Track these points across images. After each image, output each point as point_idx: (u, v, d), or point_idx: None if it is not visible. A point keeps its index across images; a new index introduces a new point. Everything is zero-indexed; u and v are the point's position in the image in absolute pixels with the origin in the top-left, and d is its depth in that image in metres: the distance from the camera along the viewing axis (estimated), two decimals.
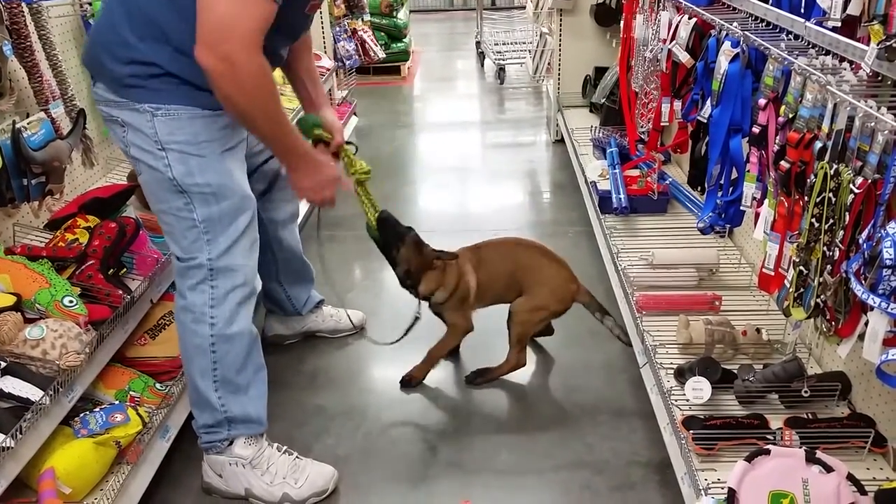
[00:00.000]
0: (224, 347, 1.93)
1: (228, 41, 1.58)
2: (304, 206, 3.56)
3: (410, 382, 2.52)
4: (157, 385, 2.11)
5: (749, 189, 1.87)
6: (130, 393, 2.04)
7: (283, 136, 1.83)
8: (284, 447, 2.08)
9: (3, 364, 1.67)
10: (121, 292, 2.02)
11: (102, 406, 1.93)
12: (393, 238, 2.33)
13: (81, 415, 1.87)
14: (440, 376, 2.58)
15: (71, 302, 1.85)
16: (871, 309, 1.26)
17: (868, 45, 1.37)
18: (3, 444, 1.51)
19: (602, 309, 2.48)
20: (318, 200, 2.02)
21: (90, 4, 2.55)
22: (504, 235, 2.64)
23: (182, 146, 1.79)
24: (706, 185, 2.17)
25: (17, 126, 1.96)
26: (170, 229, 1.89)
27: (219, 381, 1.96)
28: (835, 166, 1.39)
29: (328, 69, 4.33)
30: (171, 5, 1.67)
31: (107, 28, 1.76)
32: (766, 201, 1.75)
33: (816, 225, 1.45)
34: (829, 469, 1.59)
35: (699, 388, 1.95)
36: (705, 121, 2.08)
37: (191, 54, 1.64)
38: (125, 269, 2.17)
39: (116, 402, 1.99)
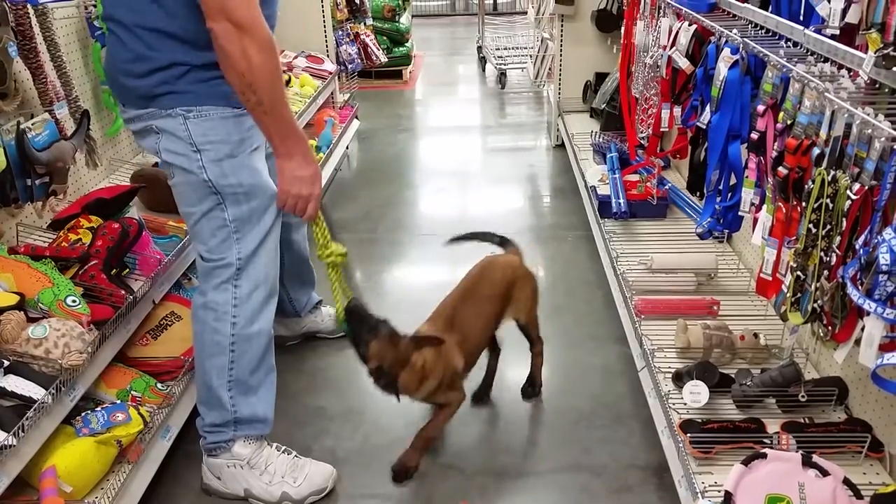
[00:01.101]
0: (242, 347, 1.96)
1: (241, 6, 1.62)
2: None
3: (407, 473, 2.12)
4: (159, 385, 2.12)
5: (747, 194, 1.89)
6: (132, 392, 2.05)
7: (284, 110, 1.77)
8: (284, 447, 2.10)
9: (6, 363, 1.68)
10: (123, 292, 2.03)
11: (104, 405, 1.94)
12: (363, 330, 1.97)
13: (83, 414, 1.88)
14: None
15: (74, 301, 1.87)
16: (868, 314, 1.27)
17: (866, 52, 1.39)
18: (6, 443, 1.52)
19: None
20: (305, 201, 1.89)
21: (94, 6, 2.57)
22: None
23: (216, 146, 1.82)
24: (705, 191, 2.18)
25: (22, 127, 1.98)
26: (199, 230, 1.91)
27: (233, 381, 1.98)
28: (832, 172, 1.40)
29: (330, 73, 4.34)
30: (155, 6, 1.70)
31: (119, 51, 1.78)
32: (765, 207, 1.76)
33: (814, 230, 1.46)
34: (825, 473, 1.60)
35: (697, 392, 1.96)
36: (704, 127, 2.10)
37: (198, 42, 1.68)
38: (128, 270, 2.18)
39: (118, 402, 2.00)
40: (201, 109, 1.79)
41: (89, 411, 1.89)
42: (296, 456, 2.09)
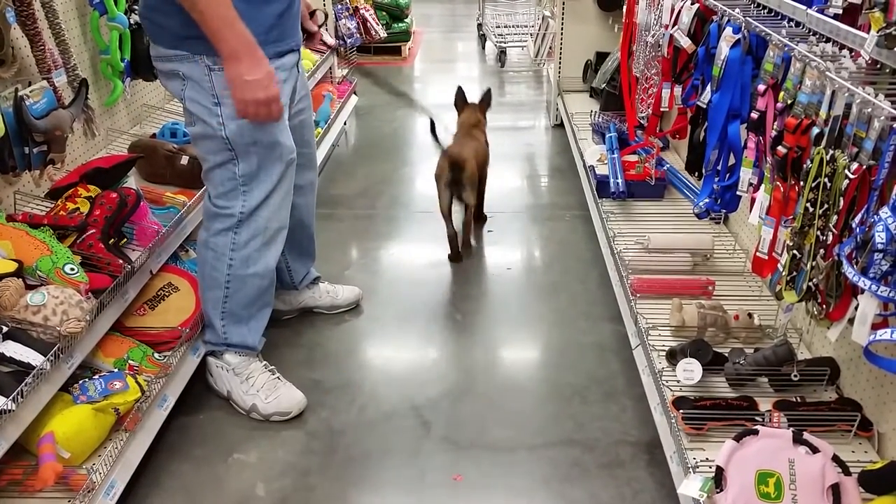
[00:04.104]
0: (237, 286, 2.15)
1: None
2: None
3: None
4: (156, 355, 2.13)
5: (746, 174, 1.90)
6: (129, 362, 2.06)
7: (219, 8, 1.77)
8: (271, 366, 2.31)
9: (5, 329, 1.69)
10: (121, 262, 2.03)
11: (102, 374, 1.95)
12: None
13: (81, 381, 1.89)
14: (436, 355, 2.61)
15: (72, 270, 1.87)
16: (862, 292, 1.29)
17: (868, 32, 1.39)
18: (5, 407, 1.53)
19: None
20: (265, 106, 1.89)
21: None
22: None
23: None
24: (703, 171, 2.19)
25: (20, 94, 1.97)
26: (211, 176, 2.06)
27: (226, 313, 2.20)
28: (831, 152, 1.41)
29: (329, 47, 4.32)
30: None
31: None
32: (763, 186, 1.77)
33: (811, 210, 1.47)
34: (815, 450, 1.62)
35: (690, 370, 1.98)
36: (705, 106, 2.10)
37: None
38: (125, 240, 2.18)
39: (115, 370, 2.01)
40: None
41: (87, 379, 1.90)
42: (278, 377, 2.28)
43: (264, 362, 2.31)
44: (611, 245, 2.79)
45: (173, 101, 3.31)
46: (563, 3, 4.54)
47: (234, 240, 2.09)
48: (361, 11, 4.90)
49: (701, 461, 1.74)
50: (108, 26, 2.55)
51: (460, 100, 3.46)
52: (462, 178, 2.99)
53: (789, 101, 1.61)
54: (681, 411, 1.87)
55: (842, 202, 1.39)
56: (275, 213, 2.12)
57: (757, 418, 1.85)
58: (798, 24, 1.74)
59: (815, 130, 1.49)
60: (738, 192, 1.98)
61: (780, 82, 1.69)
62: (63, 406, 1.83)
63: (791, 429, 1.70)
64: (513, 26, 7.06)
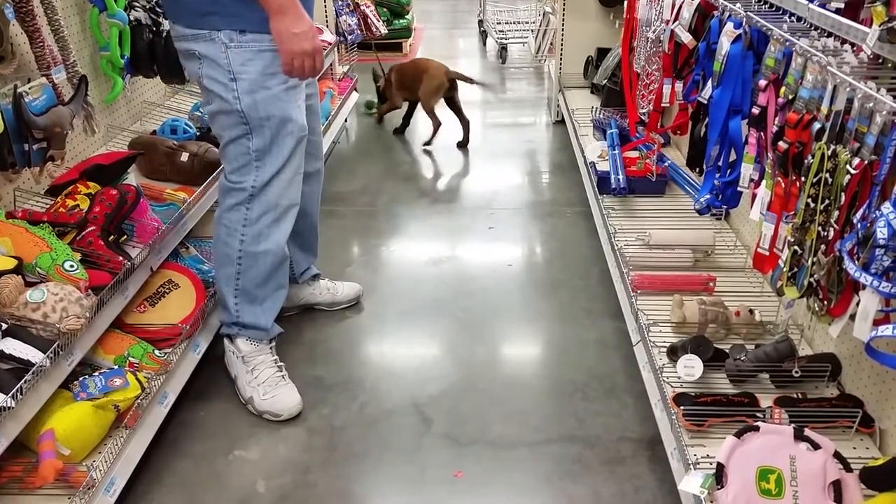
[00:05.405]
0: (248, 262, 2.19)
1: None
2: None
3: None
4: (156, 352, 2.13)
5: (747, 170, 1.89)
6: (129, 359, 2.06)
7: None
8: (280, 363, 2.32)
9: (4, 326, 1.69)
10: (121, 259, 2.03)
11: (102, 370, 1.95)
12: None
13: (81, 378, 1.89)
14: (437, 352, 2.61)
15: (72, 266, 1.86)
16: (863, 288, 1.28)
17: (870, 27, 1.38)
18: (4, 404, 1.53)
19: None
20: (311, 57, 1.95)
21: None
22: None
23: (253, 76, 1.98)
24: (704, 166, 2.18)
25: (19, 90, 1.96)
26: (226, 152, 2.12)
27: (239, 290, 2.23)
28: (832, 147, 1.40)
29: (329, 43, 4.30)
30: None
31: None
32: (764, 182, 1.77)
33: (812, 205, 1.46)
34: (816, 446, 1.62)
35: (691, 366, 1.97)
36: (706, 102, 2.09)
37: None
38: (125, 237, 2.18)
39: (116, 367, 2.01)
40: (242, 40, 1.94)
41: (87, 376, 1.91)
42: (282, 376, 2.29)
43: (275, 357, 2.32)
44: (612, 241, 2.78)
45: (174, 97, 3.31)
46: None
47: (246, 215, 2.13)
48: (362, 7, 4.89)
49: (702, 458, 1.74)
50: (108, 23, 2.54)
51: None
52: (453, 81, 4.46)
53: (790, 97, 1.61)
54: (681, 408, 1.86)
55: (843, 198, 1.38)
56: (285, 190, 2.14)
57: (758, 415, 1.84)
58: (800, 18, 1.73)
59: (817, 126, 1.49)
60: (739, 188, 1.97)
61: (782, 77, 1.68)
62: (63, 403, 1.83)
63: (792, 425, 1.69)
64: (514, 22, 7.05)
